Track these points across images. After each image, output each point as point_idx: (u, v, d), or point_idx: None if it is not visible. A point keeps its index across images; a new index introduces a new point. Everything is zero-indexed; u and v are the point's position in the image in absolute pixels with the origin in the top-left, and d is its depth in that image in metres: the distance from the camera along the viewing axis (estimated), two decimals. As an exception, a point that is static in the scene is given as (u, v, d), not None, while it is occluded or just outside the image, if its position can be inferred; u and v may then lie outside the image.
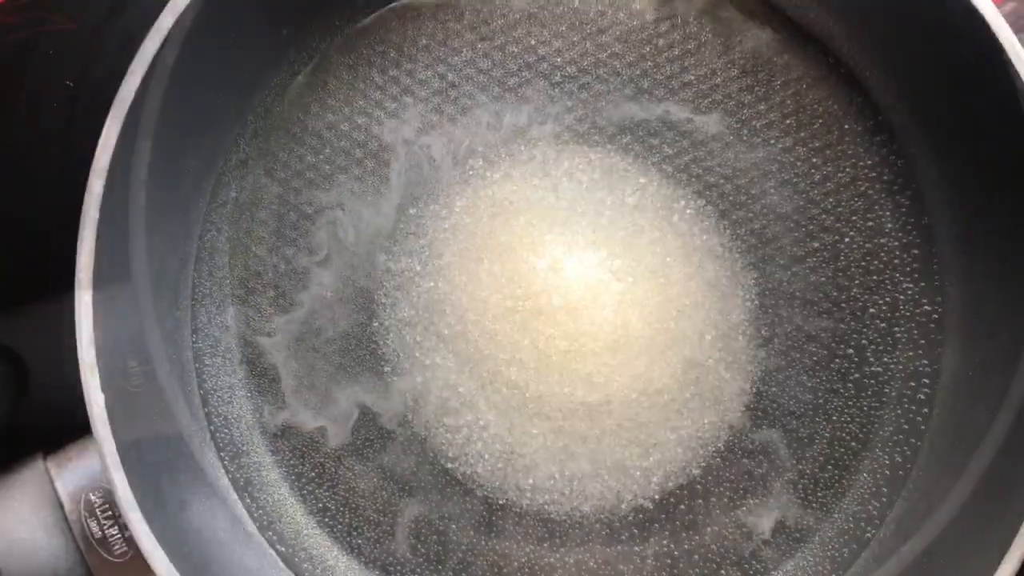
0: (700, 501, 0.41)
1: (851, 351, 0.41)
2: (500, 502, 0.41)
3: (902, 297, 0.41)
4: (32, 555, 0.34)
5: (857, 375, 0.41)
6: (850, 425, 0.41)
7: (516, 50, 0.42)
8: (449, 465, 0.41)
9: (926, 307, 0.41)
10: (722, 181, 0.42)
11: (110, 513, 0.34)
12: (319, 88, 0.42)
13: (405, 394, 0.41)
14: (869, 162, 0.42)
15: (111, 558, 0.34)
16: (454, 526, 0.40)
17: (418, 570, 0.40)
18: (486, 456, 0.41)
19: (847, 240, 0.41)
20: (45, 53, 0.46)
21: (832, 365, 0.41)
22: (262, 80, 0.42)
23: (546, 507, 0.41)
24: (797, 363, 0.41)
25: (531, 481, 0.41)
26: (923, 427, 0.41)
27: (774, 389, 0.41)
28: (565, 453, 0.40)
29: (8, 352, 0.42)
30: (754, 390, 0.41)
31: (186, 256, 0.41)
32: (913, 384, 0.41)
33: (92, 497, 0.34)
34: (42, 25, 0.45)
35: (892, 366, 0.41)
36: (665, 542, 0.40)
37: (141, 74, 0.34)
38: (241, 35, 0.38)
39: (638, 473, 0.41)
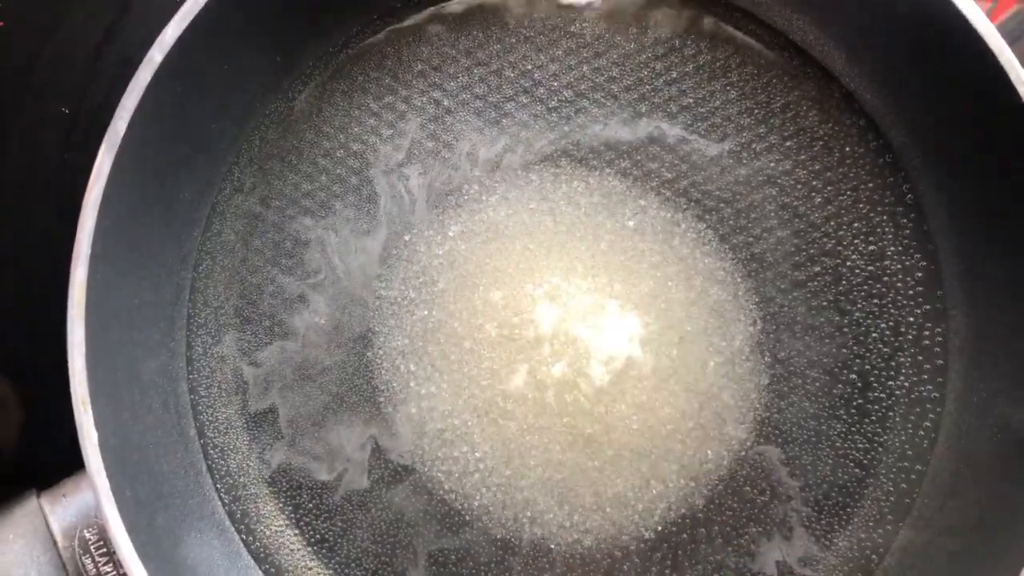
0: (703, 530, 0.40)
1: (854, 376, 0.41)
2: (498, 535, 0.40)
3: (905, 321, 0.41)
4: (25, 594, 0.33)
5: (860, 400, 0.40)
6: (853, 452, 0.40)
7: (512, 75, 0.42)
8: (446, 497, 0.40)
9: (929, 332, 0.41)
10: (722, 205, 0.41)
11: (105, 550, 0.34)
12: (314, 115, 0.42)
13: (401, 425, 0.40)
14: (871, 185, 0.41)
15: (105, 596, 0.34)
16: (453, 557, 0.40)
17: (417, 601, 0.40)
18: (483, 488, 0.40)
19: (848, 264, 0.41)
20: (41, 80, 0.46)
21: (835, 391, 0.40)
22: (256, 108, 0.41)
23: (545, 540, 0.40)
24: (799, 389, 0.40)
25: (530, 514, 0.40)
26: (927, 454, 0.40)
27: (776, 416, 0.40)
28: (564, 486, 0.40)
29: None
30: (756, 417, 0.40)
31: (181, 286, 0.40)
32: (917, 410, 0.40)
33: (86, 534, 0.34)
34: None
35: (896, 391, 0.41)
36: (668, 572, 0.40)
37: (134, 104, 0.34)
38: (234, 64, 0.38)
39: (640, 505, 0.40)
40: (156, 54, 0.34)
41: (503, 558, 0.40)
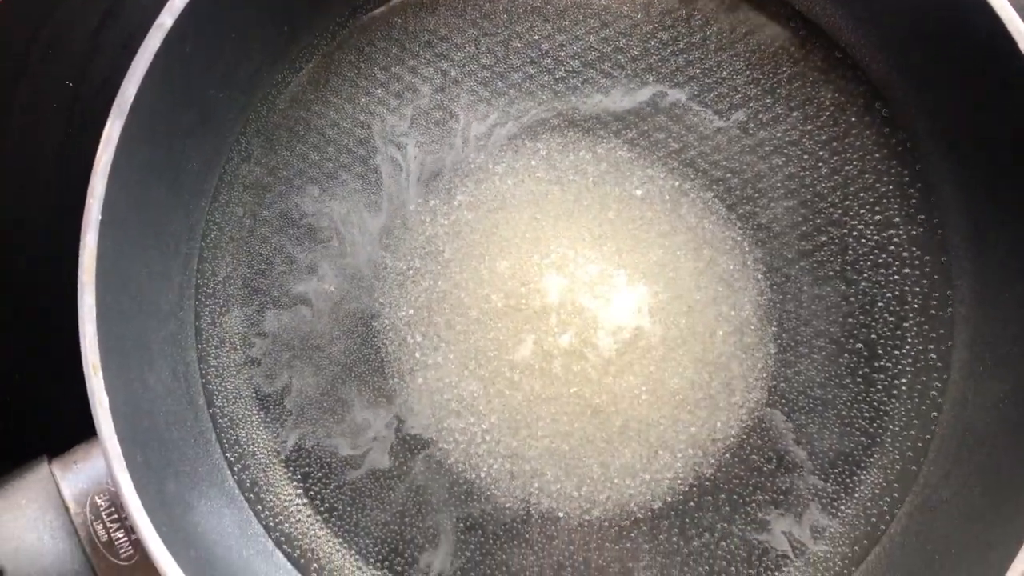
0: (710, 498, 0.40)
1: (860, 346, 0.41)
2: (506, 505, 0.40)
3: (911, 291, 0.41)
4: (38, 558, 0.33)
5: (866, 369, 0.41)
6: (860, 420, 0.40)
7: (519, 45, 0.42)
8: (454, 467, 0.40)
9: (935, 301, 0.41)
10: (729, 175, 0.41)
11: (116, 516, 0.34)
12: (321, 85, 0.42)
13: (408, 395, 0.41)
14: (877, 155, 0.41)
15: (117, 561, 0.34)
16: (462, 526, 0.40)
17: (422, 566, 0.40)
18: (491, 459, 0.40)
19: (855, 234, 0.41)
20: (44, 53, 0.46)
21: (841, 360, 0.41)
22: (264, 78, 0.41)
23: (553, 510, 0.40)
24: (806, 358, 0.41)
25: (537, 484, 0.40)
26: (933, 422, 0.40)
27: (783, 385, 0.41)
28: (572, 456, 0.40)
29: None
30: (764, 387, 0.41)
31: (189, 256, 0.40)
32: (923, 378, 0.41)
33: (98, 500, 0.34)
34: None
35: (902, 361, 0.41)
36: (675, 539, 0.40)
37: (141, 74, 0.34)
38: (241, 33, 0.38)
39: (647, 475, 0.40)
40: (166, 19, 0.33)
41: (510, 527, 0.40)
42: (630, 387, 0.40)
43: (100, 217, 0.33)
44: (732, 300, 0.41)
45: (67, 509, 0.34)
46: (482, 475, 0.40)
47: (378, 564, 0.40)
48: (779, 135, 0.41)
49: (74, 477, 0.34)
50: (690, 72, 0.41)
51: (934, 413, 0.40)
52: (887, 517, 0.40)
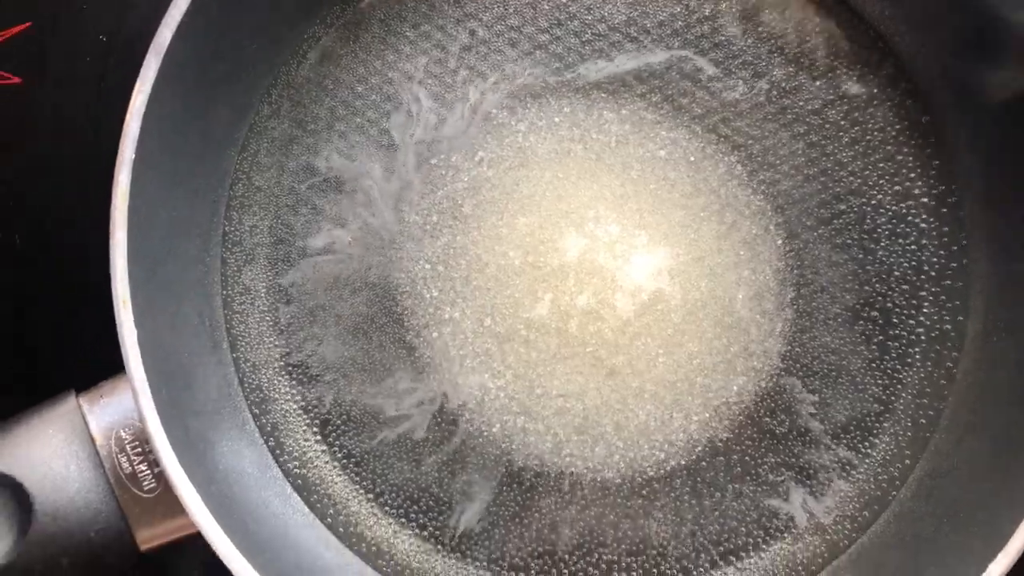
0: (722, 459, 0.41)
1: (875, 314, 0.41)
2: (518, 463, 0.41)
3: (928, 261, 0.41)
4: (64, 486, 0.34)
5: (881, 337, 0.41)
6: (873, 387, 0.41)
7: (547, 8, 0.42)
8: (466, 424, 0.41)
9: (951, 272, 0.41)
10: (751, 142, 0.42)
11: (140, 450, 0.35)
12: (351, 41, 0.42)
13: (423, 348, 0.41)
14: (898, 126, 0.42)
15: (140, 493, 0.35)
16: (477, 476, 0.41)
17: (437, 517, 0.41)
18: (504, 416, 0.41)
19: (874, 203, 0.41)
20: (79, 8, 0.47)
21: (856, 327, 0.41)
22: (294, 32, 0.42)
23: (566, 469, 0.41)
24: (822, 324, 0.41)
25: (550, 444, 0.41)
26: (946, 390, 0.41)
27: (798, 350, 0.41)
28: (586, 416, 0.41)
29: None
30: (780, 352, 0.41)
31: (216, 202, 0.41)
32: (937, 347, 0.41)
33: (123, 434, 0.35)
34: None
35: (916, 329, 0.41)
36: (686, 498, 0.41)
37: (177, 19, 0.35)
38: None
39: (661, 436, 0.41)
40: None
41: (524, 484, 0.41)
42: (647, 348, 0.41)
43: (133, 156, 0.34)
44: (753, 265, 0.41)
45: (93, 441, 0.35)
46: (494, 431, 0.41)
47: (393, 513, 0.41)
48: (801, 104, 0.42)
49: (100, 411, 0.35)
50: (715, 39, 0.42)
51: (948, 382, 0.41)
52: (897, 482, 0.40)
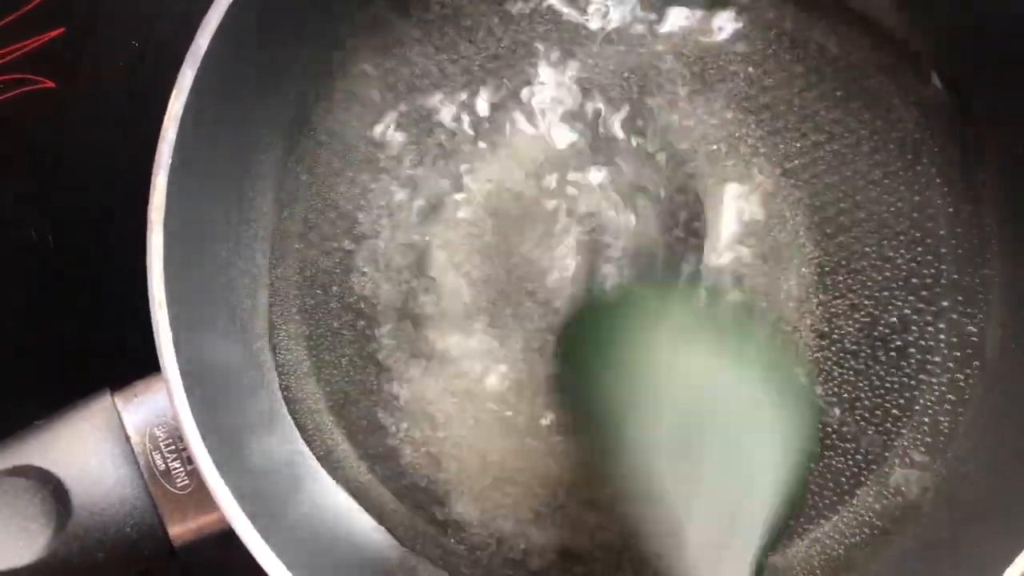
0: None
1: (894, 320, 0.42)
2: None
3: (946, 269, 0.42)
4: (100, 482, 0.35)
5: (899, 343, 0.41)
6: (892, 393, 0.41)
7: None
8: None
9: (970, 280, 0.42)
10: (781, 144, 0.42)
11: (174, 447, 0.36)
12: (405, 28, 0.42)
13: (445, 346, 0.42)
14: (917, 136, 0.42)
15: (174, 490, 0.35)
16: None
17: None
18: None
19: (893, 211, 0.42)
20: (111, 14, 0.48)
21: (875, 333, 0.41)
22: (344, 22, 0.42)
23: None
24: (841, 329, 0.41)
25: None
26: (965, 396, 0.41)
27: (817, 355, 0.42)
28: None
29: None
30: (798, 356, 0.41)
31: (247, 208, 0.41)
32: (957, 354, 0.41)
33: (157, 432, 0.36)
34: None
35: (936, 337, 0.41)
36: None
37: (214, 27, 0.35)
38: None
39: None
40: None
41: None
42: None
43: (170, 161, 0.35)
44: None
45: (128, 439, 0.36)
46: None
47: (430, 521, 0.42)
48: (821, 112, 0.42)
49: (135, 409, 0.36)
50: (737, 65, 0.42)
51: (966, 388, 0.41)
52: (914, 487, 0.41)
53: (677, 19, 0.42)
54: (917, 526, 0.40)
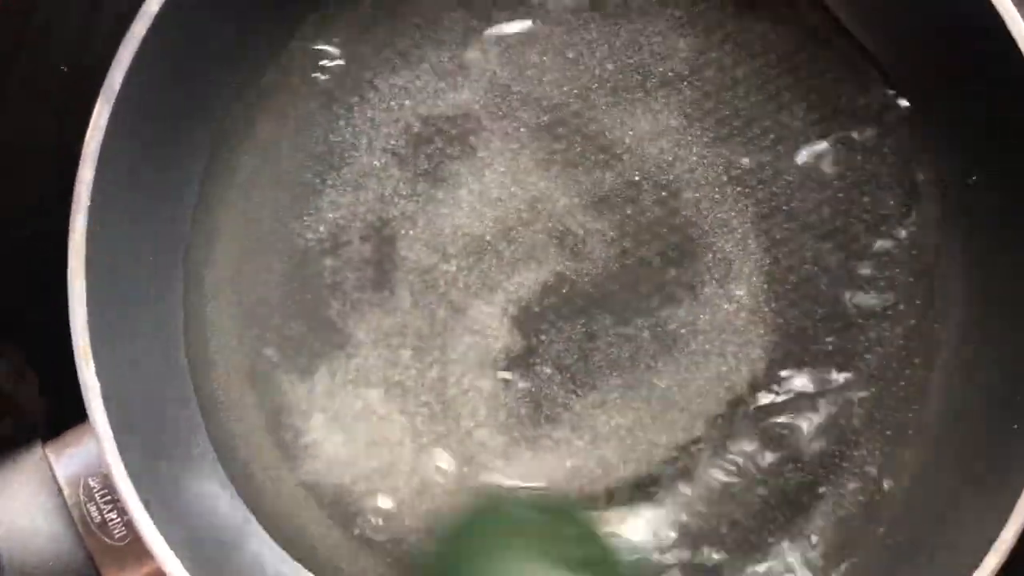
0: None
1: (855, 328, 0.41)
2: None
3: (900, 272, 0.41)
4: (32, 539, 0.34)
5: (861, 350, 0.41)
6: (853, 396, 0.41)
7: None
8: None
9: (927, 283, 0.41)
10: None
11: (109, 498, 0.35)
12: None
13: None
14: (868, 135, 0.41)
15: (111, 542, 0.34)
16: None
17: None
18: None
19: (853, 230, 0.41)
20: (39, 37, 0.46)
21: (830, 338, 0.41)
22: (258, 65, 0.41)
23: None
24: (801, 335, 0.41)
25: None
26: (924, 394, 0.41)
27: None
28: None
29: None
30: (764, 367, 0.41)
31: (176, 242, 0.40)
32: (916, 359, 0.41)
33: (91, 482, 0.35)
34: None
35: (895, 340, 0.41)
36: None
37: (128, 61, 0.34)
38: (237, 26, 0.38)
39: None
40: (152, 5, 0.34)
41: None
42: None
43: (88, 202, 0.34)
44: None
45: (61, 492, 0.35)
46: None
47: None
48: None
49: (67, 460, 0.35)
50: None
51: (925, 386, 0.41)
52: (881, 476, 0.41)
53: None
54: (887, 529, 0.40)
